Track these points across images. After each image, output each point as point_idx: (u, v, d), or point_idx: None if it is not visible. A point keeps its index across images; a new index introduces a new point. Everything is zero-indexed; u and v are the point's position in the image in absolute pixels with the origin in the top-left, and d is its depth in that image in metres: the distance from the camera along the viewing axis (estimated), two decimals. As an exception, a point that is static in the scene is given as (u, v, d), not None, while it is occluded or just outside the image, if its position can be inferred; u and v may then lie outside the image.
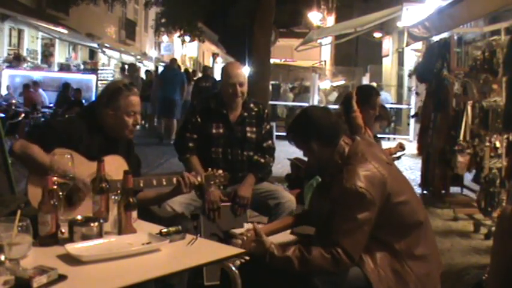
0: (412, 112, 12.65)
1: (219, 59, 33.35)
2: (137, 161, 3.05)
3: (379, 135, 5.10)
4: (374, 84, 16.02)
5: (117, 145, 2.84)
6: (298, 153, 2.92)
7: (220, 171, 2.95)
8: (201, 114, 3.65)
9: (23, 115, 10.21)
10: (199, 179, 2.82)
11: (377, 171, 2.37)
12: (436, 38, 6.80)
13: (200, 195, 3.49)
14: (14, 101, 11.50)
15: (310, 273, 2.34)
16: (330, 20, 22.71)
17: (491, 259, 1.91)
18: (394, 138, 12.60)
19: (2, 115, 9.50)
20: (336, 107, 10.53)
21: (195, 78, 14.11)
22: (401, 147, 4.80)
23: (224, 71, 3.72)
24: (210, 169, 2.96)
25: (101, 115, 2.80)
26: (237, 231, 2.72)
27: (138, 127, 2.95)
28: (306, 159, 2.75)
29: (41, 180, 2.14)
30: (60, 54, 19.83)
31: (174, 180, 2.75)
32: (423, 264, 2.42)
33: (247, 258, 2.24)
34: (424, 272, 2.41)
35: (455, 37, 6.39)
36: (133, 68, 17.76)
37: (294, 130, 2.57)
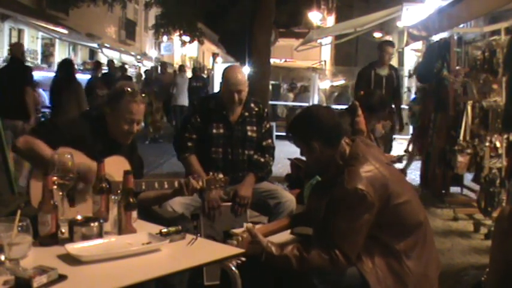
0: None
1: (219, 59, 33.31)
2: (140, 162, 3.05)
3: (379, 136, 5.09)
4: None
5: (120, 145, 2.83)
6: (298, 153, 2.91)
7: (221, 176, 2.91)
8: (201, 114, 3.66)
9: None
10: (200, 183, 2.80)
11: (378, 172, 2.36)
12: (436, 38, 6.79)
13: (200, 196, 3.49)
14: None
15: (309, 273, 2.34)
16: (330, 20, 22.72)
17: (490, 260, 1.91)
18: (394, 138, 12.56)
19: (2, 115, 9.48)
20: (337, 106, 10.53)
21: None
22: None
23: (224, 76, 3.69)
24: (211, 173, 2.92)
25: (102, 113, 2.80)
26: (237, 231, 2.71)
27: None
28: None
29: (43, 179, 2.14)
30: (60, 54, 19.81)
31: (176, 183, 2.74)
32: (422, 265, 2.41)
33: (243, 259, 2.24)
34: (422, 272, 2.40)
35: (455, 37, 6.38)
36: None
37: (297, 128, 2.54)
